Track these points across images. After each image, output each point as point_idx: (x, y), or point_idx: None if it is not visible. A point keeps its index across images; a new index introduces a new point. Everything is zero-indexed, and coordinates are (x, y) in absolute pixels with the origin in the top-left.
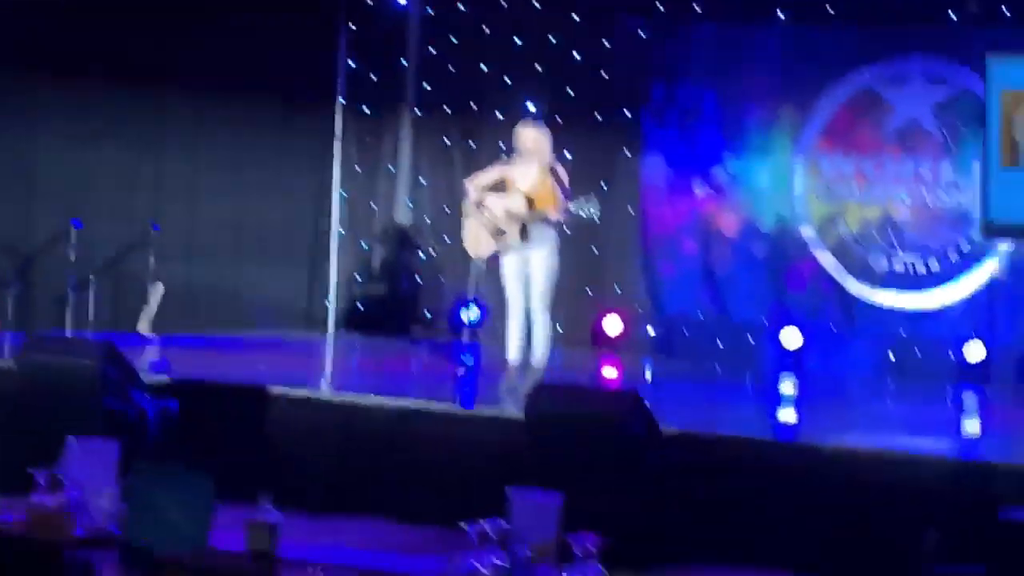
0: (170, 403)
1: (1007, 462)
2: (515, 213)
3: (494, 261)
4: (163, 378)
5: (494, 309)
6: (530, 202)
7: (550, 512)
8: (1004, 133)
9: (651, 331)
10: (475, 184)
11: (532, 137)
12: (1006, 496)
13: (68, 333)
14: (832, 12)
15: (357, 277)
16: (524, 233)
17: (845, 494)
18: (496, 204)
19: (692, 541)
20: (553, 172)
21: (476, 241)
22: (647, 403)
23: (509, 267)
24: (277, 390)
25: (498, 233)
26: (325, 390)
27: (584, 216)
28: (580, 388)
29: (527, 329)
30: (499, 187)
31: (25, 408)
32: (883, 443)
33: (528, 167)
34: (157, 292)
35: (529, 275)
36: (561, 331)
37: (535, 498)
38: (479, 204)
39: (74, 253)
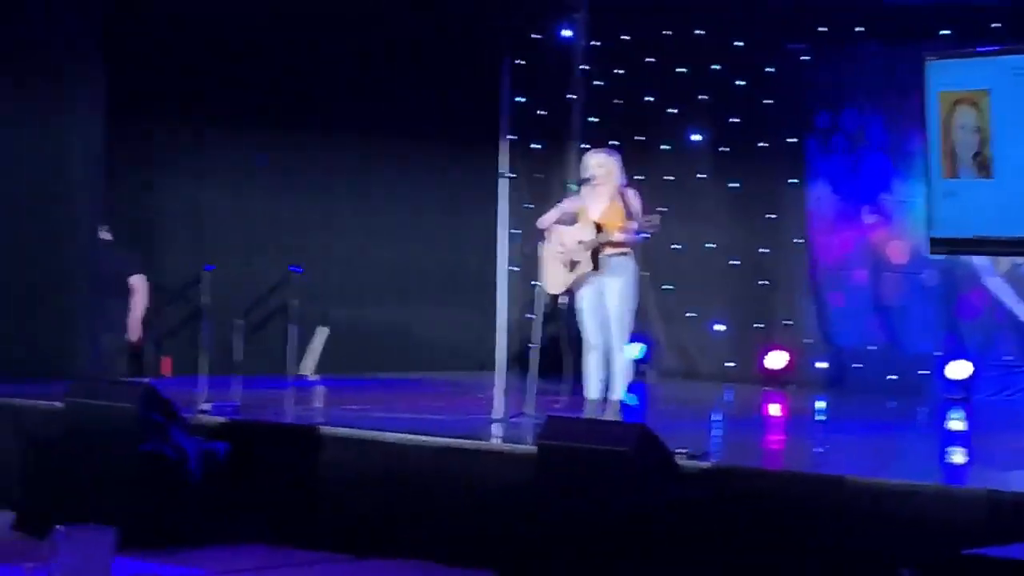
0: (218, 445)
1: None
2: (586, 241)
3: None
4: (214, 420)
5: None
6: (599, 228)
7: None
8: (944, 142)
9: (821, 365)
10: (544, 219)
11: (598, 163)
12: None
13: (202, 378)
14: (998, 27)
15: (530, 316)
16: (597, 261)
17: (872, 530)
18: (567, 236)
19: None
20: (622, 195)
21: (552, 277)
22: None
23: (585, 301)
24: (326, 430)
25: (572, 265)
26: (371, 430)
27: (650, 233)
28: (590, 422)
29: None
30: (574, 220)
31: (66, 450)
32: None
33: (599, 195)
34: (322, 335)
35: (606, 307)
36: (734, 366)
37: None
38: (549, 238)
39: (209, 297)
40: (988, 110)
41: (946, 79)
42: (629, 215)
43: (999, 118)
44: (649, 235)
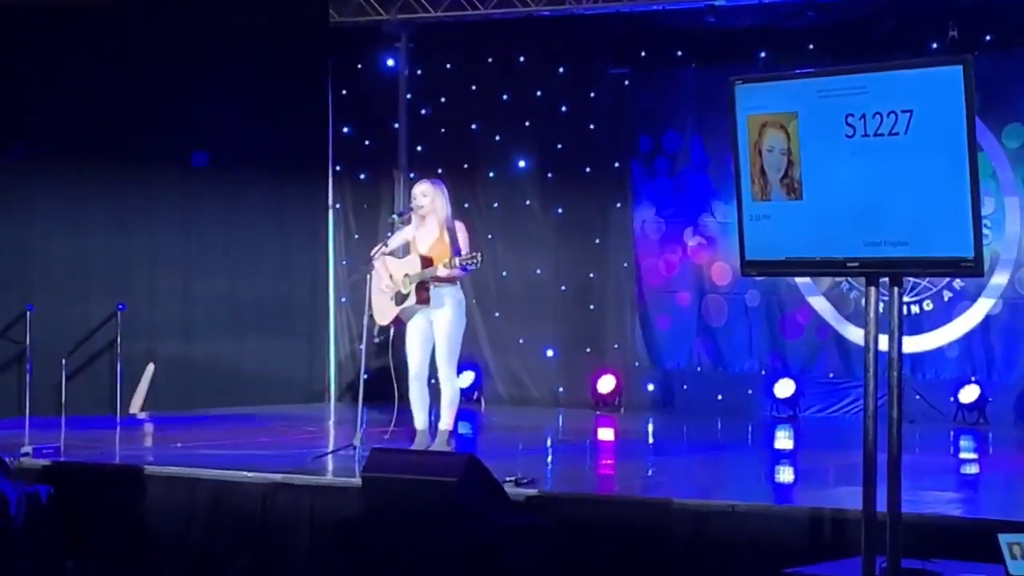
0: (40, 489)
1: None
2: (411, 275)
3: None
4: (36, 463)
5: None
6: (426, 262)
7: None
8: (753, 165)
9: (650, 387)
10: (375, 252)
11: (422, 192)
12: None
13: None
14: (811, 48)
15: (360, 347)
16: (424, 295)
17: (697, 551)
18: (394, 268)
19: None
20: (450, 229)
21: (380, 308)
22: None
23: (413, 331)
24: (153, 469)
25: (399, 298)
26: (199, 467)
27: (472, 268)
28: (415, 453)
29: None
30: (406, 250)
31: None
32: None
33: (429, 227)
34: (147, 372)
35: (434, 337)
36: (562, 392)
37: None
38: (378, 271)
39: (28, 336)
40: (796, 133)
41: (754, 102)
42: (456, 250)
43: (807, 140)
44: (472, 269)
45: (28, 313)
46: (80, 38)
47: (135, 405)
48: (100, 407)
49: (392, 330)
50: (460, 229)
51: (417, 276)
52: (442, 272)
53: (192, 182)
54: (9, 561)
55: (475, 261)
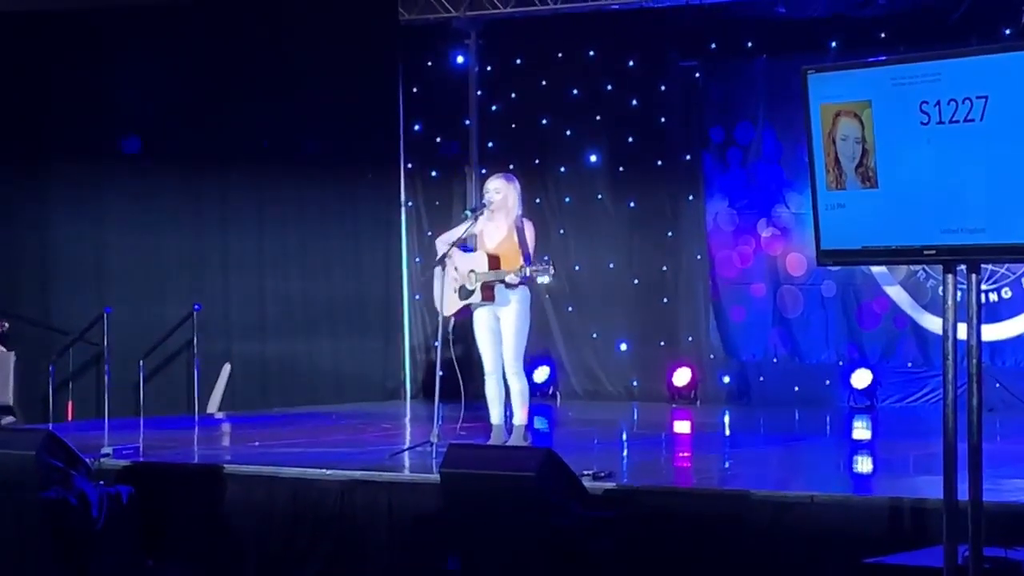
0: (121, 489)
1: None
2: (477, 273)
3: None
4: (117, 463)
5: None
6: (493, 261)
7: None
8: (828, 154)
9: (726, 380)
10: (443, 240)
11: (495, 187)
12: None
13: (105, 420)
14: (883, 36)
15: (435, 344)
16: (489, 293)
17: (777, 542)
18: (462, 263)
19: None
20: (519, 228)
21: (442, 299)
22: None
23: (480, 324)
24: (232, 468)
25: (464, 293)
26: (277, 466)
27: (541, 282)
28: (493, 448)
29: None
30: (473, 243)
31: None
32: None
33: (497, 223)
34: (224, 372)
35: (500, 333)
36: (636, 385)
37: None
38: (445, 261)
39: (105, 338)
40: (870, 121)
41: (827, 91)
42: (524, 251)
43: (881, 128)
44: (539, 281)
45: (105, 315)
46: (155, 38)
47: (212, 405)
48: (177, 407)
49: (453, 322)
50: (528, 228)
51: (483, 276)
52: (511, 280)
53: (265, 182)
54: (91, 561)
55: (547, 273)
